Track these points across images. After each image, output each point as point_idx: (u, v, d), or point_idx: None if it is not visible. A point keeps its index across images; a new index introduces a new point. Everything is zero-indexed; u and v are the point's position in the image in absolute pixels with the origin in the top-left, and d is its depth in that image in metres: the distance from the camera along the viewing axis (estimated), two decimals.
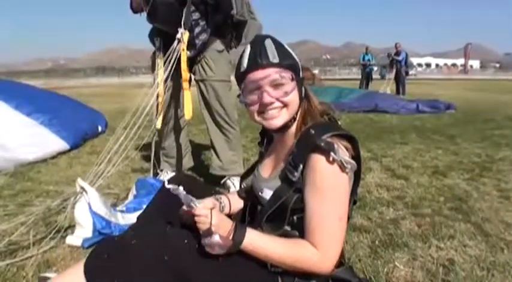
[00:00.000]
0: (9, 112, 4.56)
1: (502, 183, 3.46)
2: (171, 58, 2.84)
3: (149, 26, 3.16)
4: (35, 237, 2.33)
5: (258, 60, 1.27)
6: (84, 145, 5.25)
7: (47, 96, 6.04)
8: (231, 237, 1.22)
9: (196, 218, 1.23)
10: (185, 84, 2.97)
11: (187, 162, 3.55)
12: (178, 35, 2.82)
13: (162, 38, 3.04)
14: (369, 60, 17.81)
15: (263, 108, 1.31)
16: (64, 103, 6.11)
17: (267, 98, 1.28)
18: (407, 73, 16.41)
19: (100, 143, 5.39)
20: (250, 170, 1.63)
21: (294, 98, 1.31)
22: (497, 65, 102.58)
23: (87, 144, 5.31)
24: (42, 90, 6.64)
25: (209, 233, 1.19)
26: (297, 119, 1.37)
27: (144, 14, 2.98)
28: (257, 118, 1.36)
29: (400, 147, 5.03)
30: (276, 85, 1.28)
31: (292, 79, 1.29)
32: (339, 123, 1.40)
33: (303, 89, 1.36)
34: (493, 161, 4.31)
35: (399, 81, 15.57)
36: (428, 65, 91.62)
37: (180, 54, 2.85)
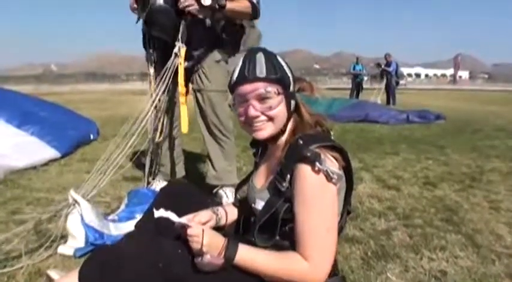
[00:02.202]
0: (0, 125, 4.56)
1: (491, 195, 3.49)
2: (168, 72, 2.84)
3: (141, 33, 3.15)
4: (27, 246, 2.31)
5: (246, 74, 1.30)
6: (75, 153, 5.22)
7: (38, 105, 5.99)
8: (222, 255, 1.23)
9: (188, 238, 1.25)
10: (182, 99, 2.95)
11: (180, 171, 3.53)
12: (176, 50, 2.82)
13: (157, 48, 3.04)
14: (359, 70, 17.90)
15: (249, 121, 1.34)
16: (55, 111, 6.07)
17: (252, 112, 1.31)
18: (397, 83, 16.52)
19: (91, 151, 5.38)
20: (245, 180, 1.63)
21: (279, 112, 1.33)
22: (486, 76, 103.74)
23: (78, 152, 5.28)
24: (33, 98, 6.58)
25: (200, 253, 1.22)
26: (287, 130, 1.39)
27: (140, 22, 2.98)
28: (246, 128, 1.39)
29: (391, 158, 5.06)
30: (262, 99, 1.31)
31: (278, 93, 1.31)
32: (332, 133, 1.42)
33: (293, 102, 1.37)
34: (482, 172, 4.34)
35: (389, 91, 15.69)
36: (418, 75, 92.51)
37: (177, 68, 2.85)
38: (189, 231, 1.25)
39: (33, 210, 3.04)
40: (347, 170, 1.32)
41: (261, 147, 1.58)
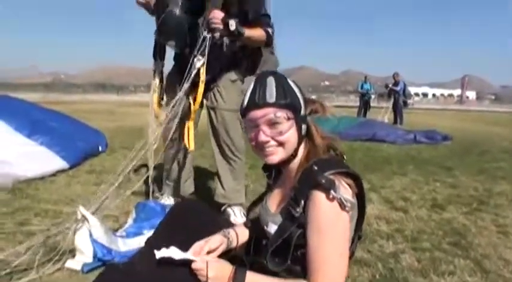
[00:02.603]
0: (9, 133, 4.60)
1: (499, 218, 3.48)
2: (186, 85, 2.84)
3: (149, 43, 3.16)
4: (34, 259, 2.31)
5: (256, 99, 1.31)
6: (83, 164, 5.24)
7: (48, 115, 6.04)
8: None
9: (194, 271, 1.27)
10: (193, 115, 2.99)
11: (189, 187, 3.52)
12: (198, 64, 2.81)
13: (175, 60, 3.13)
14: (367, 89, 17.89)
15: (260, 146, 1.35)
16: (65, 122, 6.11)
17: (262, 137, 1.32)
18: (405, 103, 16.51)
19: (99, 163, 5.41)
20: (258, 201, 1.64)
21: (290, 137, 1.33)
22: (493, 97, 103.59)
23: (86, 163, 5.30)
24: (43, 108, 6.63)
25: None
26: (300, 154, 1.39)
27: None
28: (257, 153, 1.40)
29: (399, 178, 5.04)
30: (272, 124, 1.31)
31: (289, 119, 1.31)
32: (345, 157, 1.42)
33: (304, 126, 1.37)
34: (490, 195, 4.32)
35: (397, 110, 15.70)
36: (425, 95, 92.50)
37: (193, 80, 2.85)
38: (193, 265, 1.27)
39: (41, 222, 3.05)
40: (360, 196, 1.32)
41: (274, 170, 1.57)
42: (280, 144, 1.33)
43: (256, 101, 1.31)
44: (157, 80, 3.11)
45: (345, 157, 1.42)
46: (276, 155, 1.35)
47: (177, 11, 2.78)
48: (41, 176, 4.38)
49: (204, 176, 4.57)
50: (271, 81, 1.32)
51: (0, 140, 4.42)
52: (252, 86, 1.35)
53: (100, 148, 6.17)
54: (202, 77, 2.85)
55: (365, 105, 17.93)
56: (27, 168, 4.29)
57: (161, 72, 3.15)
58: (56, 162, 4.72)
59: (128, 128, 9.56)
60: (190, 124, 2.99)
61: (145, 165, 3.17)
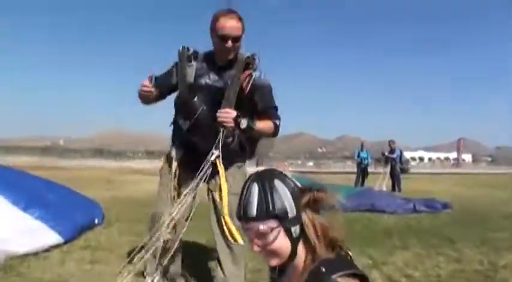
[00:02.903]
0: (6, 206, 4.53)
1: None
2: (202, 178, 2.86)
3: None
4: None
5: (241, 213, 1.34)
6: (78, 238, 5.12)
7: (46, 186, 6.02)
8: None
9: None
10: (225, 209, 2.93)
11: (177, 268, 3.38)
12: (213, 158, 2.87)
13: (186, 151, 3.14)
14: (364, 157, 17.89)
15: (257, 253, 1.36)
16: (61, 194, 6.04)
17: (255, 247, 1.34)
18: (402, 170, 16.57)
19: (95, 237, 5.30)
20: None
21: (279, 244, 1.31)
22: (489, 159, 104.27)
23: (81, 238, 5.18)
24: (41, 179, 6.62)
25: None
26: (301, 254, 1.35)
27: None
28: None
29: (401, 253, 4.92)
30: (259, 235, 1.31)
31: (272, 229, 1.29)
32: (350, 254, 1.37)
33: (294, 228, 1.32)
34: (496, 268, 4.23)
35: (394, 177, 15.74)
36: (421, 159, 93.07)
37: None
38: None
39: None
40: None
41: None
42: (272, 252, 1.33)
43: (242, 214, 1.33)
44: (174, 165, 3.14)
45: (350, 253, 1.37)
46: (272, 261, 1.35)
47: (206, 111, 2.92)
48: (35, 251, 4.28)
49: (202, 254, 4.44)
50: (254, 190, 1.32)
51: None
52: (243, 193, 1.36)
53: (96, 221, 6.06)
54: (221, 170, 2.91)
55: (363, 172, 17.86)
56: (20, 244, 4.20)
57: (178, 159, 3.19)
58: (51, 237, 4.62)
59: (125, 199, 9.52)
60: (227, 219, 2.91)
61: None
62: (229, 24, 2.80)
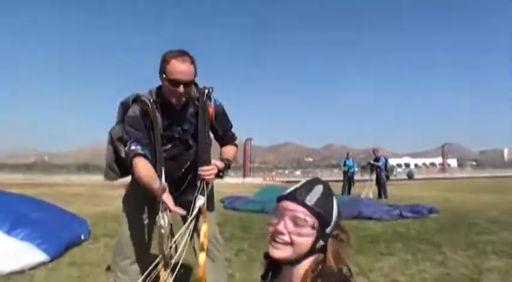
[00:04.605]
0: None
1: None
2: (190, 225, 2.77)
3: None
4: None
5: (297, 194, 1.36)
6: (64, 255, 5.07)
7: (30, 205, 5.94)
8: None
9: None
10: (201, 256, 2.76)
11: None
12: (200, 203, 2.82)
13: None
14: (350, 166, 18.10)
15: (274, 234, 1.36)
16: (47, 212, 6.00)
17: (281, 226, 1.34)
18: (388, 177, 16.72)
19: (81, 254, 5.25)
20: None
21: (303, 242, 1.33)
22: (474, 163, 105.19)
23: (67, 254, 5.13)
24: (26, 198, 6.56)
25: None
26: (306, 264, 1.36)
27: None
28: (268, 240, 1.40)
29: (387, 259, 4.96)
30: (296, 222, 1.33)
31: (313, 227, 1.32)
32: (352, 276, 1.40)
33: (321, 242, 1.36)
34: (480, 271, 4.27)
35: (380, 185, 15.86)
36: (407, 165, 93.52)
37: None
38: None
39: None
40: None
41: (271, 270, 1.52)
42: (292, 243, 1.33)
43: (297, 196, 1.35)
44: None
45: (349, 267, 1.40)
46: (281, 251, 1.35)
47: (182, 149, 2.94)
48: (20, 270, 4.25)
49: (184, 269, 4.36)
50: (319, 188, 1.37)
51: None
52: (302, 182, 1.41)
53: (82, 236, 6.02)
54: (206, 215, 2.86)
55: (349, 181, 18.08)
56: (5, 263, 4.18)
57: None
58: (37, 256, 4.59)
59: (111, 214, 9.45)
60: (201, 257, 2.90)
61: None
62: (181, 69, 2.62)
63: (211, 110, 2.90)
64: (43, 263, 4.59)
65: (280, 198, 1.40)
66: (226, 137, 3.10)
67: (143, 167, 2.66)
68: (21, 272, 4.21)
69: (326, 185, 1.40)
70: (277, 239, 1.35)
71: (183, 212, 2.60)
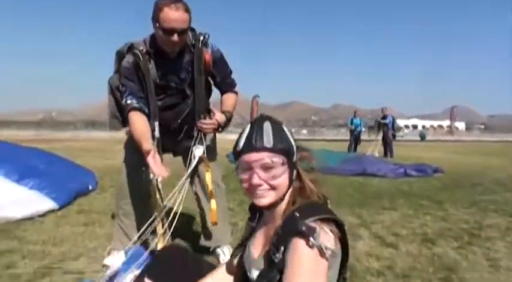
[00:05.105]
0: None
1: (491, 252, 3.47)
2: (188, 176, 2.86)
3: None
4: None
5: (253, 143, 1.33)
6: (72, 204, 5.20)
7: (38, 157, 6.07)
8: None
9: None
10: (213, 202, 2.92)
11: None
12: (199, 153, 2.88)
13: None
14: (357, 124, 18.10)
15: (252, 188, 1.36)
16: (55, 163, 6.11)
17: (256, 180, 1.33)
18: (394, 136, 16.69)
19: (89, 203, 5.37)
20: (241, 246, 1.62)
21: (282, 181, 1.35)
22: (483, 127, 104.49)
23: (75, 203, 5.26)
24: (34, 150, 6.65)
25: None
26: (286, 199, 1.39)
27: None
28: (248, 195, 1.40)
29: (389, 213, 5.03)
30: (266, 168, 1.33)
31: (283, 164, 1.33)
32: (329, 202, 1.41)
33: (295, 171, 1.39)
34: (481, 227, 4.32)
35: (386, 144, 15.86)
36: (415, 127, 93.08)
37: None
38: None
39: (28, 264, 3.00)
40: (343, 240, 1.31)
41: (258, 213, 1.57)
42: (273, 188, 1.35)
43: (253, 145, 1.33)
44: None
45: (329, 202, 1.41)
46: (267, 198, 1.36)
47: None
48: (30, 216, 4.35)
49: (185, 218, 4.44)
50: (268, 127, 1.35)
51: None
52: (248, 129, 1.38)
53: (90, 187, 6.15)
54: (207, 164, 2.92)
55: (355, 140, 18.12)
56: (16, 210, 4.29)
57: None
58: (46, 204, 4.70)
59: (118, 167, 9.54)
60: (212, 203, 2.92)
61: None
62: (175, 17, 2.54)
63: (207, 56, 2.84)
64: (52, 211, 4.70)
65: (239, 154, 1.37)
66: (225, 83, 3.06)
67: (137, 123, 2.70)
68: (31, 219, 4.32)
69: (270, 118, 1.39)
70: (258, 191, 1.36)
71: (166, 173, 2.60)
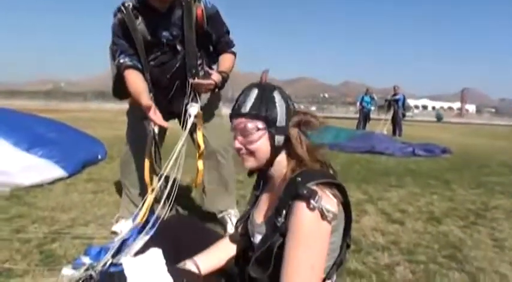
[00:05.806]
0: (8, 149, 4.60)
1: (496, 232, 3.47)
2: (185, 133, 2.80)
3: None
4: (30, 266, 2.33)
5: (236, 108, 1.40)
6: (81, 172, 5.26)
7: (48, 126, 6.11)
8: None
9: None
10: (200, 159, 2.95)
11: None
12: (194, 111, 2.83)
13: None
14: (368, 103, 17.82)
15: (237, 153, 1.43)
16: (64, 132, 6.15)
17: (236, 143, 1.40)
18: (404, 115, 16.58)
19: (98, 171, 5.43)
20: (245, 213, 1.63)
21: (260, 147, 1.37)
22: (493, 110, 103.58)
23: (84, 172, 5.32)
24: (43, 119, 6.68)
25: None
26: (284, 165, 1.41)
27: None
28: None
29: (396, 190, 5.03)
30: (244, 133, 1.37)
31: (258, 129, 1.35)
32: (331, 168, 1.41)
33: (279, 137, 1.37)
34: (487, 208, 4.32)
35: (396, 122, 15.76)
36: (425, 107, 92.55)
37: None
38: None
39: (38, 229, 3.06)
40: (345, 205, 1.31)
41: (262, 181, 1.58)
42: (251, 152, 1.38)
43: (236, 110, 1.40)
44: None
45: (332, 167, 1.42)
46: (248, 162, 1.41)
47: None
48: (40, 183, 4.42)
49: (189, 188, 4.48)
50: (253, 93, 1.39)
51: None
52: (238, 94, 1.43)
53: (99, 156, 6.21)
54: (200, 122, 2.90)
55: (365, 117, 17.92)
56: (25, 177, 4.34)
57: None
58: (55, 171, 4.75)
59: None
60: (199, 163, 2.94)
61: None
62: None
63: (199, 11, 2.75)
64: (61, 179, 4.76)
65: (230, 118, 1.44)
66: (221, 43, 2.98)
67: (132, 81, 2.69)
68: (40, 186, 4.38)
69: (262, 85, 1.41)
70: (240, 155, 1.42)
71: (166, 124, 2.66)
